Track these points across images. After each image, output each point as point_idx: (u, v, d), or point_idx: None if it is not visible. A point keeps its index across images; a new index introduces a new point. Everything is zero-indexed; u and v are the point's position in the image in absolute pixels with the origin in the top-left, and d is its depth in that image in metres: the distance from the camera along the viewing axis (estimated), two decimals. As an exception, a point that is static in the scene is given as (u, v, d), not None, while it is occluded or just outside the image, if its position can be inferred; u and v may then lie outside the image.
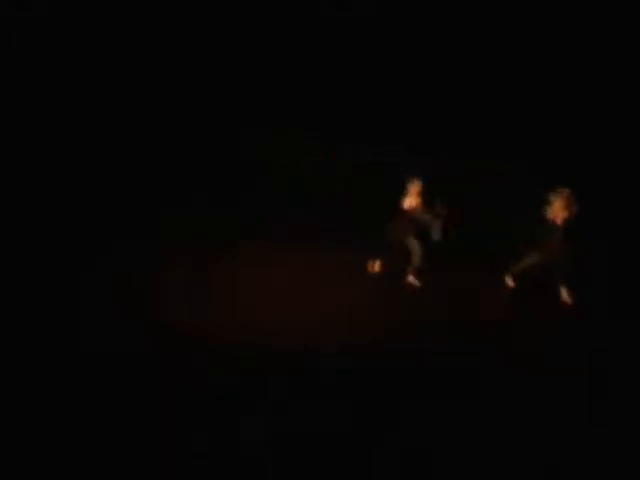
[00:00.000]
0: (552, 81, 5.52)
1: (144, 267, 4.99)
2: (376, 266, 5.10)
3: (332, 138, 5.91)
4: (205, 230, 5.51)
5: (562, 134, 5.56)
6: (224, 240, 5.49)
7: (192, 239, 5.42)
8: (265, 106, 5.84)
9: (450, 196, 4.81)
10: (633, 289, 4.88)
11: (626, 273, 5.03)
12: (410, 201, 4.89)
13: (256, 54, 5.74)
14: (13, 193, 5.49)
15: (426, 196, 4.85)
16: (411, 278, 5.00)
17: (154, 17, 5.60)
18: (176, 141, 5.85)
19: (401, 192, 4.90)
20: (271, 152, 5.93)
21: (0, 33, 5.38)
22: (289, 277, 5.05)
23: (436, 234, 4.76)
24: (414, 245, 4.94)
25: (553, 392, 3.82)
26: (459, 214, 4.84)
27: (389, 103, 5.71)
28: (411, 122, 5.66)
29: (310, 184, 5.91)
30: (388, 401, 3.74)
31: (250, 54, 5.75)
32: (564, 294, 4.74)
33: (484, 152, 5.58)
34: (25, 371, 3.87)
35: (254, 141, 5.92)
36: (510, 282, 4.86)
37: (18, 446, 3.37)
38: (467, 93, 5.57)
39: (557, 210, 4.72)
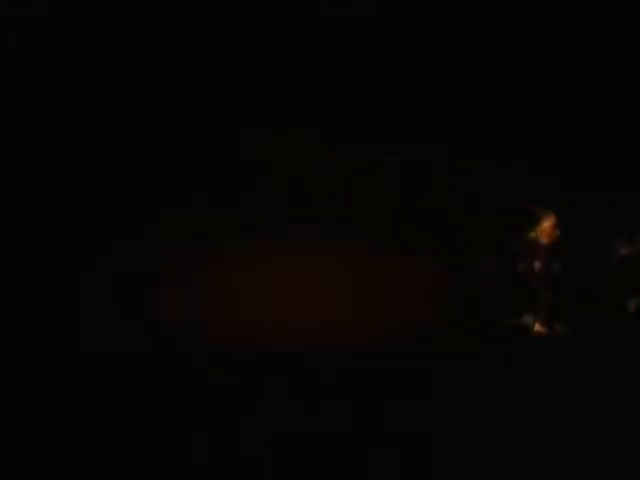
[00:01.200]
0: (553, 82, 5.51)
1: (144, 267, 4.98)
2: (537, 327, 4.52)
3: (332, 138, 5.90)
4: (205, 230, 5.50)
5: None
6: (224, 240, 5.48)
7: (192, 239, 5.41)
8: (265, 106, 5.83)
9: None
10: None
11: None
12: (544, 235, 4.60)
13: (256, 54, 5.74)
14: (13, 193, 5.47)
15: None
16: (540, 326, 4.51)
17: (154, 17, 5.60)
18: (176, 141, 5.85)
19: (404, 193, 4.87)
20: (271, 152, 5.92)
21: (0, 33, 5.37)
22: (289, 277, 5.04)
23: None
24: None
25: (553, 392, 3.82)
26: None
27: (389, 103, 5.71)
28: (412, 122, 5.65)
29: (310, 184, 5.90)
30: (388, 401, 3.73)
31: (250, 54, 5.75)
32: None
33: (486, 151, 5.57)
34: (25, 371, 3.86)
35: (254, 141, 5.91)
36: None
37: (18, 445, 3.36)
38: (468, 92, 5.56)
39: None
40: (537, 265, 4.56)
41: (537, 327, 4.55)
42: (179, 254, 5.41)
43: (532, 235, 4.49)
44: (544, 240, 4.59)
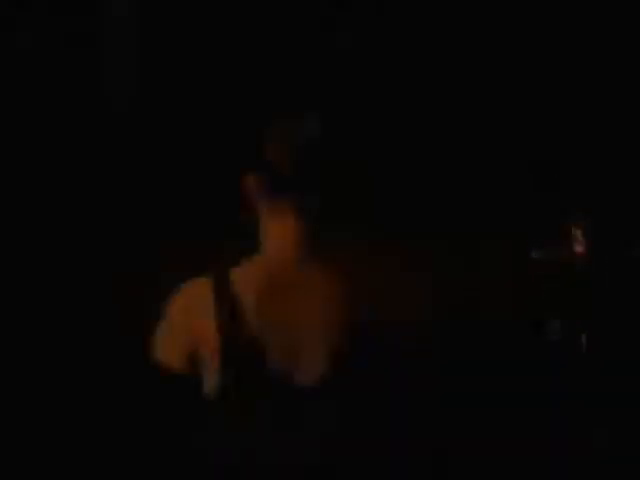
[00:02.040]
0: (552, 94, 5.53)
1: (144, 267, 4.98)
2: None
3: (331, 138, 5.90)
4: (205, 230, 5.50)
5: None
6: (224, 240, 5.47)
7: (192, 239, 5.41)
8: (265, 106, 5.83)
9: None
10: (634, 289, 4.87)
11: (628, 274, 5.03)
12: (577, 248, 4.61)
13: (256, 54, 5.74)
14: (13, 193, 5.48)
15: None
16: None
17: (155, 16, 5.60)
18: (176, 141, 5.85)
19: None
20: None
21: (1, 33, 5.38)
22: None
23: None
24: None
25: (554, 395, 3.82)
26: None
27: (389, 103, 5.72)
28: (411, 122, 5.66)
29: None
30: (388, 401, 3.73)
31: (250, 54, 5.75)
32: None
33: (488, 153, 5.58)
34: (24, 371, 3.86)
35: (254, 141, 5.91)
36: None
37: (17, 446, 3.36)
38: (470, 94, 5.57)
39: None
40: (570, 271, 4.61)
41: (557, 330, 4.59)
42: (179, 254, 5.41)
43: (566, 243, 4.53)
44: (577, 249, 4.61)
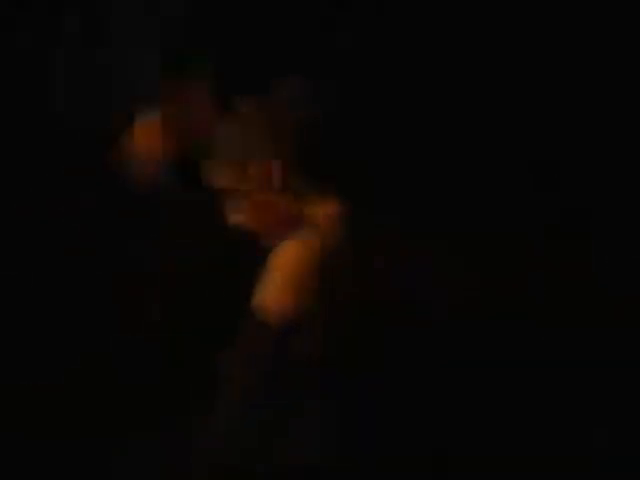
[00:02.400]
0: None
1: (144, 267, 4.98)
2: None
3: (330, 137, 5.90)
4: (204, 229, 5.50)
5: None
6: (224, 239, 5.47)
7: (192, 238, 5.40)
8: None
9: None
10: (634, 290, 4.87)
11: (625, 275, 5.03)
12: None
13: (255, 53, 5.75)
14: (13, 192, 5.48)
15: None
16: None
17: (155, 17, 5.60)
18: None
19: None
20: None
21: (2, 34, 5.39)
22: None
23: None
24: None
25: (554, 395, 3.82)
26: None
27: (389, 103, 5.72)
28: (413, 121, 5.66)
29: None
30: (389, 401, 3.73)
31: (249, 53, 5.76)
32: None
33: (486, 155, 5.58)
34: (24, 371, 3.86)
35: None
36: None
37: (16, 446, 3.36)
38: (470, 93, 5.57)
39: None
40: None
41: None
42: (180, 253, 5.41)
43: None
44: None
